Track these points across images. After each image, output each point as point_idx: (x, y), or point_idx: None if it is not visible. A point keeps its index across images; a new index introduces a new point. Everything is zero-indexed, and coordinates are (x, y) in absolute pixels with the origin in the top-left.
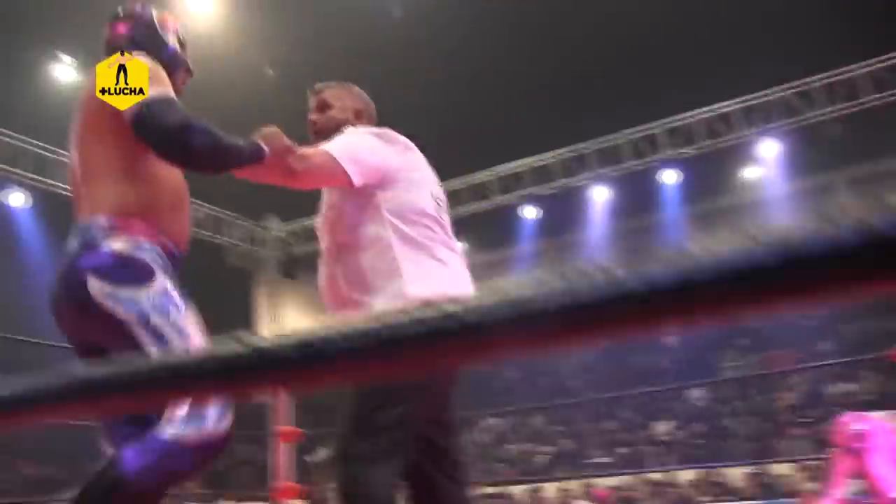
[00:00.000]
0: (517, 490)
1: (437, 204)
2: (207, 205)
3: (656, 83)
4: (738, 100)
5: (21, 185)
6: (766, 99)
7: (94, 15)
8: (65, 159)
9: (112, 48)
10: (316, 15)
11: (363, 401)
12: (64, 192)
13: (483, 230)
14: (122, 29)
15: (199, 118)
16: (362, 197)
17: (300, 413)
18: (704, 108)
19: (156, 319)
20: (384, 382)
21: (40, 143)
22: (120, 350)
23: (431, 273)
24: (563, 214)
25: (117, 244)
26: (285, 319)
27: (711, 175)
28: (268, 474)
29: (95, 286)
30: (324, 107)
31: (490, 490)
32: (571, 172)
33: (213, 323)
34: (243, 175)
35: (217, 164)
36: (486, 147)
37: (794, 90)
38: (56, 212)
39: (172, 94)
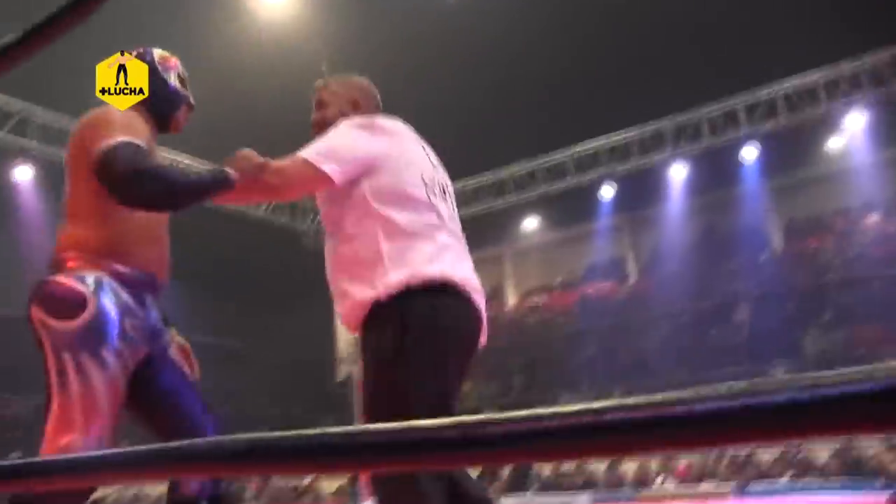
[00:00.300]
0: (594, 467)
1: (427, 186)
2: None
3: (736, 56)
4: (822, 69)
5: None
6: (852, 68)
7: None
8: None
9: None
10: (381, 9)
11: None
12: None
13: (559, 207)
14: None
15: (153, 163)
16: (347, 188)
17: None
18: (787, 82)
19: (65, 355)
20: (390, 396)
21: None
22: (42, 372)
23: (415, 258)
24: (641, 191)
25: (60, 278)
26: None
27: (794, 147)
28: None
29: (35, 313)
30: (320, 105)
31: (568, 467)
32: (649, 150)
33: (292, 305)
34: (225, 202)
35: (175, 202)
36: (563, 127)
37: (883, 59)
38: None
39: (136, 140)
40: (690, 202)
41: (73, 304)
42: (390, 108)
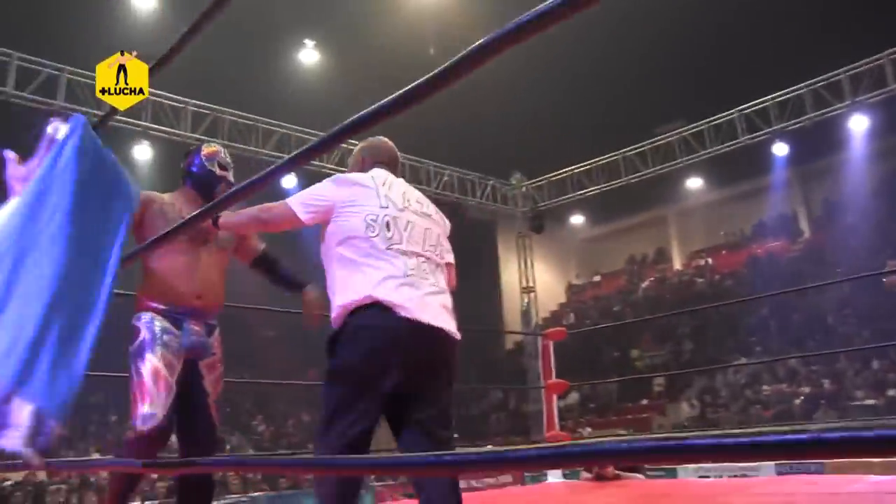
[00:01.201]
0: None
1: (369, 226)
2: (453, 168)
3: None
4: None
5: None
6: None
7: (332, 2)
8: (312, 137)
9: (181, 171)
10: None
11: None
12: (321, 171)
13: (725, 165)
14: (184, 163)
15: None
16: (322, 231)
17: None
18: None
19: (131, 364)
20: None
21: (294, 126)
22: None
23: (357, 286)
24: (814, 144)
25: (133, 319)
26: (533, 271)
27: None
28: (521, 420)
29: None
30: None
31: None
32: (825, 104)
33: (459, 275)
34: (233, 228)
35: None
36: (731, 87)
37: None
38: None
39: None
40: (870, 148)
41: (133, 334)
42: (555, 85)
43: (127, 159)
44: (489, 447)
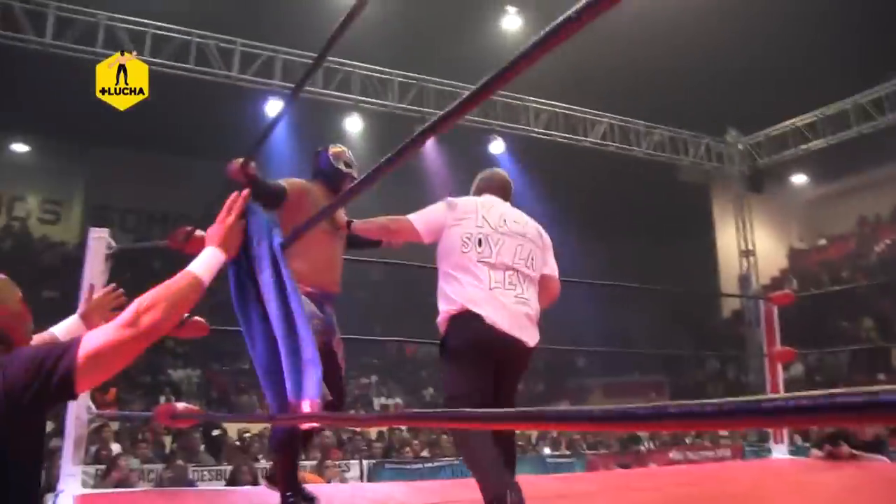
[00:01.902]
0: None
1: (465, 244)
2: (664, 127)
3: None
4: None
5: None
6: None
7: None
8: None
9: (312, 169)
10: None
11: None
12: (537, 136)
13: None
14: (314, 162)
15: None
16: (436, 246)
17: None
18: None
19: None
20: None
21: (500, 92)
22: None
23: (452, 296)
24: None
25: None
26: (752, 234)
27: None
28: (739, 392)
29: None
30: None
31: None
32: None
33: (672, 240)
34: (359, 233)
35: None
36: None
37: None
38: (530, 155)
39: (281, 182)
40: None
41: None
42: (771, 28)
43: (340, 132)
44: None
